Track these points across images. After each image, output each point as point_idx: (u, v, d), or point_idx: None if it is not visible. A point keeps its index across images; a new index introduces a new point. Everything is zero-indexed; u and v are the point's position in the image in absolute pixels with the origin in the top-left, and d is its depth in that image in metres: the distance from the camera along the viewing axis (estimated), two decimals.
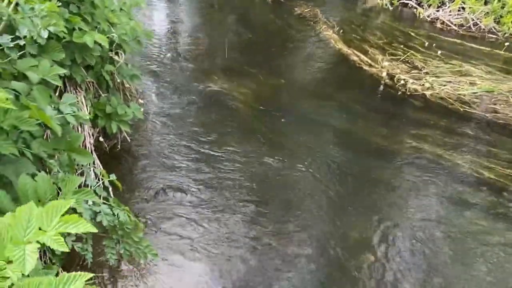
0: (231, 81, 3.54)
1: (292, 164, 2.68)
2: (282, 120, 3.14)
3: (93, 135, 2.48)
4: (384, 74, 3.69)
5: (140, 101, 3.08)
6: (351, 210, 2.42)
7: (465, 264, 2.15)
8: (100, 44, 1.96)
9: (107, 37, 2.03)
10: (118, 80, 2.59)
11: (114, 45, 2.22)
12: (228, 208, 2.34)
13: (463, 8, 4.43)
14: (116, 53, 2.44)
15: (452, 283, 2.03)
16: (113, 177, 1.82)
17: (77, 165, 1.87)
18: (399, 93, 3.55)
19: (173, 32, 4.33)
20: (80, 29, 1.90)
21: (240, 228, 2.23)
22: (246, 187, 2.46)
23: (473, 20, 4.33)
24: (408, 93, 3.55)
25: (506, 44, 4.11)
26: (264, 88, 3.53)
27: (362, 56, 3.99)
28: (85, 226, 0.99)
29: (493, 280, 2.06)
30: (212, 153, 2.74)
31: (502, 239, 2.29)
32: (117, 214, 1.76)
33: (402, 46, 4.19)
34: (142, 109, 2.94)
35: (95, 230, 1.03)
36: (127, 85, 2.87)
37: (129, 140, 2.66)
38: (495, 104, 3.50)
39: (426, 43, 4.20)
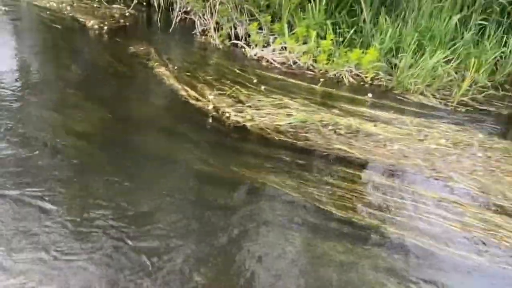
0: (62, 116, 3.94)
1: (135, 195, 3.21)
2: (117, 153, 3.57)
3: None
4: (210, 107, 4.28)
5: None
6: (192, 234, 2.95)
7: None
8: None
9: None
10: None
11: None
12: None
13: (285, 48, 5.35)
14: None
15: None
16: None
17: None
18: (224, 124, 4.13)
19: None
20: None
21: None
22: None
23: (293, 58, 5.23)
24: (232, 125, 4.12)
25: (321, 80, 5.05)
26: (96, 122, 3.93)
27: (191, 91, 4.55)
28: None
29: None
30: (36, 196, 3.14)
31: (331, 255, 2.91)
32: None
33: (229, 82, 4.83)
34: None
35: None
36: None
37: None
38: (306, 133, 4.16)
39: (252, 79, 4.90)
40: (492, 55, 5.10)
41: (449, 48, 5.11)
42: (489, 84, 5.09)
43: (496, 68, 5.25)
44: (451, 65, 5.05)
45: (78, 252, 2.72)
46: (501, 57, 5.22)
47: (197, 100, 4.44)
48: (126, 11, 6.67)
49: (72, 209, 3.03)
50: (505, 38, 5.28)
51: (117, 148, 3.67)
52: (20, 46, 5.56)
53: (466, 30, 5.34)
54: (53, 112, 4.05)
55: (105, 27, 6.02)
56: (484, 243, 3.16)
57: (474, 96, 5.00)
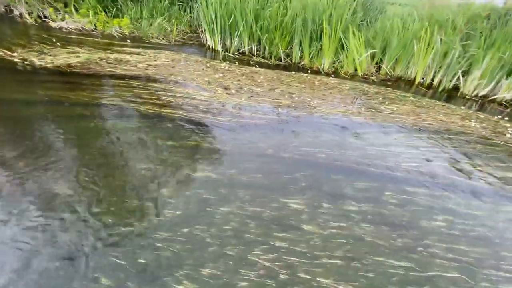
0: None
1: None
2: None
3: None
4: (17, 59, 4.08)
5: None
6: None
7: None
8: None
9: None
10: None
11: None
12: None
13: (75, 21, 5.55)
14: None
15: None
16: None
17: None
18: (30, 68, 3.92)
19: None
20: None
21: None
22: None
23: (81, 26, 5.52)
24: (37, 67, 3.94)
25: (100, 36, 5.42)
26: None
27: (7, 51, 4.36)
28: None
29: None
30: None
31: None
32: None
33: (37, 43, 4.74)
34: None
35: None
36: None
37: None
38: (89, 65, 4.19)
39: (53, 40, 4.85)
40: (186, 17, 5.98)
41: (165, 16, 5.70)
42: (189, 30, 5.96)
43: (190, 23, 6.06)
44: (170, 23, 5.72)
45: None
46: (190, 17, 6.02)
47: (11, 56, 4.14)
48: None
49: None
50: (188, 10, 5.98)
51: None
52: None
53: (172, 7, 5.94)
54: None
55: None
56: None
57: (182, 36, 5.82)
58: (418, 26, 4.81)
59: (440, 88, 4.95)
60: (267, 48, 5.01)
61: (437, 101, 4.49)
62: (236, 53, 5.16)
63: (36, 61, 4.08)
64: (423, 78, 5.10)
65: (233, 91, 3.96)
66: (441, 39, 4.73)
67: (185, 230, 1.90)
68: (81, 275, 1.58)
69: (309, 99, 4.03)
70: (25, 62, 4.01)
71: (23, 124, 2.75)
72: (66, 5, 5.70)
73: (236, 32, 4.94)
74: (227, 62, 4.82)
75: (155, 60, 4.47)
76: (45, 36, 5.10)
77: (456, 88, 4.95)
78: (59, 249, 1.70)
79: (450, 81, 4.92)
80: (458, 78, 4.86)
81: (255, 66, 4.82)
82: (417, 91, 4.81)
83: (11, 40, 4.77)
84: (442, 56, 4.79)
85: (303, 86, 4.42)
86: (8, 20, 5.70)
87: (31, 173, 2.16)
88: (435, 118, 3.98)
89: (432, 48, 4.75)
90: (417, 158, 3.01)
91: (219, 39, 5.14)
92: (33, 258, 1.64)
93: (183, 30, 5.69)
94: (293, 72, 4.82)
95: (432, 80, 5.08)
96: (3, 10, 5.82)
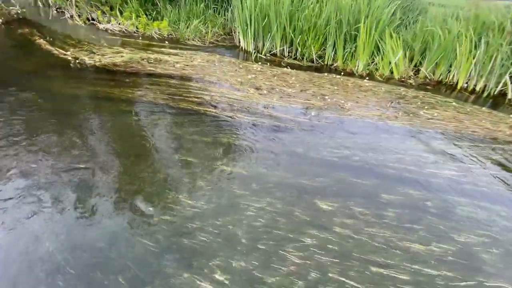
0: None
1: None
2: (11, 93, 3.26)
3: None
4: (70, 57, 4.50)
5: None
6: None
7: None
8: None
9: None
10: None
11: None
12: None
13: (119, 23, 5.88)
14: None
15: None
16: None
17: None
18: (81, 65, 4.19)
19: None
20: None
21: None
22: None
23: (125, 28, 5.87)
24: (87, 65, 4.21)
25: (141, 37, 5.66)
26: None
27: (61, 50, 4.76)
28: None
29: None
30: None
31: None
32: None
33: (86, 43, 5.09)
34: None
35: None
36: None
37: None
38: (132, 63, 4.40)
39: (100, 40, 5.21)
40: (220, 19, 6.10)
41: (201, 19, 5.94)
42: (222, 32, 6.09)
43: (224, 26, 6.21)
44: (205, 25, 5.93)
45: None
46: (224, 20, 6.19)
47: (64, 54, 4.53)
48: (20, 10, 6.53)
49: None
50: (222, 12, 6.21)
51: (11, 90, 3.38)
52: None
53: (208, 11, 6.17)
54: None
55: (2, 20, 5.78)
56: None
57: (216, 38, 5.96)
58: (462, 27, 4.51)
59: (485, 94, 4.67)
60: (299, 49, 5.00)
61: (482, 108, 4.25)
62: (268, 55, 5.21)
63: (86, 60, 4.35)
64: (466, 83, 4.78)
65: (265, 92, 3.98)
66: (487, 42, 4.38)
67: (218, 222, 1.95)
68: (116, 260, 1.65)
69: (342, 101, 3.96)
70: (77, 61, 4.31)
71: (74, 116, 2.95)
72: (111, 9, 6.11)
73: (269, 34, 4.96)
74: (259, 63, 4.90)
75: (192, 61, 4.61)
76: (93, 36, 5.48)
77: (503, 94, 4.64)
78: (97, 230, 1.79)
79: (496, 86, 4.60)
80: (506, 84, 4.47)
81: (287, 67, 4.85)
82: (459, 96, 4.58)
83: (64, 40, 5.23)
84: (488, 60, 4.48)
85: (335, 88, 4.36)
86: (60, 21, 6.21)
87: (77, 162, 2.32)
88: (480, 125, 3.77)
89: (477, 51, 4.43)
90: (459, 167, 2.87)
91: (252, 41, 5.17)
92: (75, 238, 1.75)
93: (217, 32, 5.83)
94: (325, 74, 4.79)
95: (476, 85, 4.73)
96: (55, 12, 6.36)
